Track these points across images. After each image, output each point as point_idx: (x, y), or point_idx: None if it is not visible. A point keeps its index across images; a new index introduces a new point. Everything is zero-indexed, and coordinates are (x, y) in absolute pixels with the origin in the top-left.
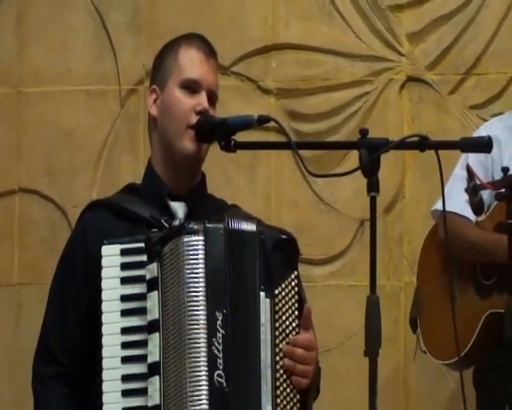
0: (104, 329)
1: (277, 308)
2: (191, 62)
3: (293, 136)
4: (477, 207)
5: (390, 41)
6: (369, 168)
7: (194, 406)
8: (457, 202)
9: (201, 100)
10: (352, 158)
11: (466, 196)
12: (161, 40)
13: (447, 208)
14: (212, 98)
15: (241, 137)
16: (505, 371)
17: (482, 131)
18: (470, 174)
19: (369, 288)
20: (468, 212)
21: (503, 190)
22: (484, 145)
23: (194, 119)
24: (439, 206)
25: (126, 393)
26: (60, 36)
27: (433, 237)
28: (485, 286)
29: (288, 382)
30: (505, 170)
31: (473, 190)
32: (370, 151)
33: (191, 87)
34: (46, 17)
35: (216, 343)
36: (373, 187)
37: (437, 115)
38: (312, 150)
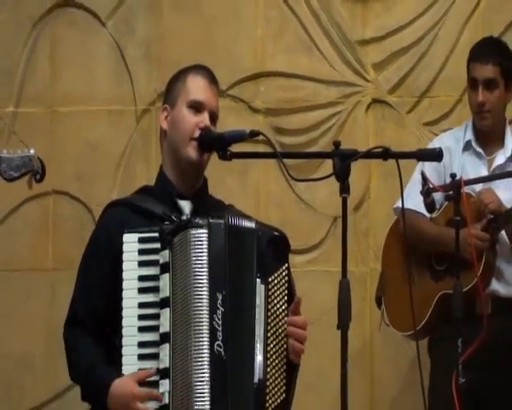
0: (124, 303)
1: (270, 293)
2: (197, 87)
3: (278, 147)
4: (430, 206)
5: (358, 70)
6: (341, 174)
7: (197, 370)
8: (415, 201)
9: (204, 118)
10: (327, 165)
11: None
12: (170, 69)
13: (406, 206)
14: (214, 117)
15: (235, 148)
16: (454, 341)
17: (436, 143)
18: (424, 179)
19: (341, 273)
20: (423, 209)
21: (451, 192)
22: (435, 155)
23: (197, 133)
24: (399, 204)
25: (142, 357)
26: (86, 65)
27: (395, 230)
28: (438, 271)
29: (277, 355)
30: (453, 176)
31: (426, 192)
32: (342, 160)
33: (196, 107)
34: (75, 49)
35: (216, 319)
36: (344, 189)
37: (397, 131)
38: (294, 159)
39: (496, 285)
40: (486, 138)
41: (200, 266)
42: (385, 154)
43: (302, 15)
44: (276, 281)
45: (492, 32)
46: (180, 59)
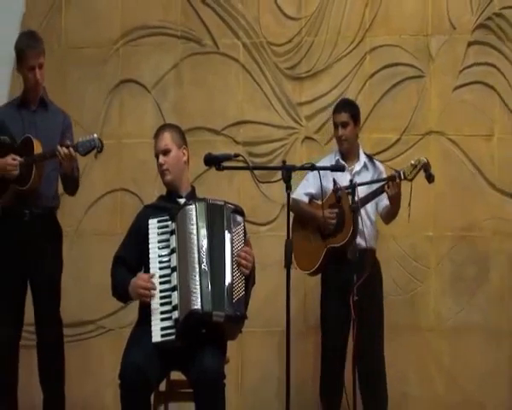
0: (150, 255)
1: (234, 238)
2: (155, 144)
3: (251, 164)
4: (338, 198)
5: (297, 119)
6: (286, 179)
7: (192, 280)
8: (299, 193)
9: (159, 161)
10: (279, 174)
11: (304, 190)
12: (188, 118)
13: (294, 196)
14: (164, 152)
15: (225, 163)
16: (345, 276)
17: (321, 162)
18: (334, 183)
19: (286, 236)
20: (302, 197)
21: (350, 189)
22: (342, 168)
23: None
24: (293, 195)
25: (161, 283)
26: (139, 115)
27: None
28: (325, 234)
29: (239, 271)
30: (351, 180)
31: (336, 190)
32: (287, 171)
33: (156, 156)
34: (133, 106)
35: (202, 251)
36: (288, 188)
37: (319, 155)
38: (260, 170)
39: (359, 240)
40: (348, 156)
41: (191, 226)
42: (311, 168)
43: (265, 88)
44: (236, 232)
45: (373, 99)
46: (194, 112)
